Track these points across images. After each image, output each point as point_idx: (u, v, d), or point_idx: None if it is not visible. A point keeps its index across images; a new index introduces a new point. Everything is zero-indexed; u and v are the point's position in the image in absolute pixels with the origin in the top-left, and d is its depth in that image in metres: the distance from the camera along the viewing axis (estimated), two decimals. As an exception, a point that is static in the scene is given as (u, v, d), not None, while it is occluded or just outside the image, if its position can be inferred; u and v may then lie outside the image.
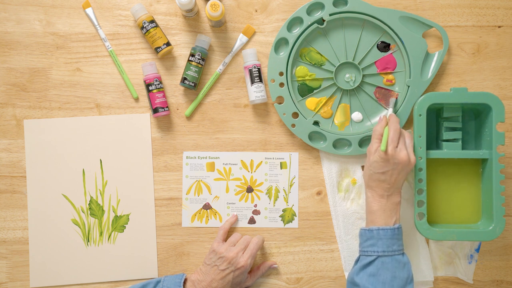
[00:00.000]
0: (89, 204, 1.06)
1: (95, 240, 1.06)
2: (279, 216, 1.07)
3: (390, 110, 1.03)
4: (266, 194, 1.07)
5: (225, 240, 1.04)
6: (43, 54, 1.07)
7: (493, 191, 0.99)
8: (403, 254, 0.95)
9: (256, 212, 1.07)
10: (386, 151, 0.94)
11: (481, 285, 1.07)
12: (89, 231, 1.06)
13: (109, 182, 1.06)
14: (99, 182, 1.06)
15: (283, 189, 1.07)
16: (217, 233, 1.05)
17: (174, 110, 1.08)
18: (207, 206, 1.07)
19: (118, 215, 1.06)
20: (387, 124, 0.98)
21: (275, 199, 1.07)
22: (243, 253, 0.99)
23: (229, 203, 1.07)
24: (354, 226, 1.07)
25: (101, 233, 1.06)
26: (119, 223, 1.06)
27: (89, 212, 1.06)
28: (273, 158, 1.07)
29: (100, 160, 1.06)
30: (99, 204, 1.06)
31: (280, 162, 1.07)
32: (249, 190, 1.07)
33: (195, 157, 1.06)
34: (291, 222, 1.07)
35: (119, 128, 1.06)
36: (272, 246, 1.07)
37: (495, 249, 1.08)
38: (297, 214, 1.07)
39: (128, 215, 1.06)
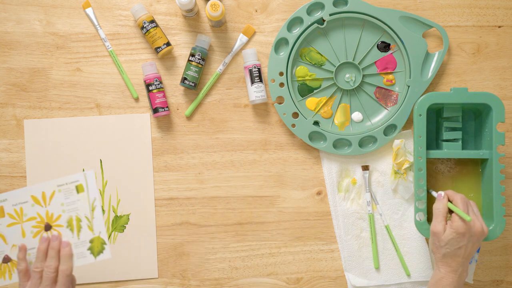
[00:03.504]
0: None
1: None
2: (88, 249, 0.94)
3: (434, 193, 1.00)
4: (68, 227, 0.94)
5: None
6: (43, 54, 1.07)
7: (493, 191, 0.99)
8: None
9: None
10: (467, 223, 0.91)
11: (481, 285, 1.07)
12: None
13: (109, 182, 1.06)
14: (99, 182, 1.06)
15: (85, 217, 0.95)
16: (18, 278, 0.91)
17: (174, 110, 1.08)
18: (6, 259, 0.93)
19: (118, 215, 1.06)
20: (448, 200, 0.95)
21: (79, 231, 0.94)
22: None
23: (30, 249, 0.93)
24: (354, 226, 1.07)
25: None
26: (119, 223, 1.06)
27: None
28: (66, 184, 0.94)
29: (100, 160, 1.06)
30: None
31: (76, 186, 0.95)
32: (47, 227, 0.94)
33: None
34: (102, 253, 0.94)
35: (119, 128, 1.06)
36: (273, 246, 1.07)
37: (495, 249, 1.08)
38: (107, 242, 0.95)
39: (128, 215, 1.06)
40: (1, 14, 1.06)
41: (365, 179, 1.06)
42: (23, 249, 0.92)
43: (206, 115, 1.08)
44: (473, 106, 1.03)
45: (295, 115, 1.06)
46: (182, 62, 1.08)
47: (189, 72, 1.04)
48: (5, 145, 1.06)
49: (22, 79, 1.06)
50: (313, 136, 1.06)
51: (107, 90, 1.07)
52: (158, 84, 1.04)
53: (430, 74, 1.05)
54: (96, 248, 0.95)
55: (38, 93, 1.07)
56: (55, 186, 0.95)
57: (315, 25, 1.05)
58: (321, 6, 1.05)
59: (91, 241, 0.95)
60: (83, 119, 1.06)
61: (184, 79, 1.04)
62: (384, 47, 1.06)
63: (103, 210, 1.05)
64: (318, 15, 1.05)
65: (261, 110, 1.08)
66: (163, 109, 1.04)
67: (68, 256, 0.90)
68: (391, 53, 1.06)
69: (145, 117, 1.07)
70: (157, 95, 1.04)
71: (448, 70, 1.08)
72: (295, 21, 1.06)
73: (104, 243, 0.95)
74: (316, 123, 1.06)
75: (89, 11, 1.06)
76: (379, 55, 1.06)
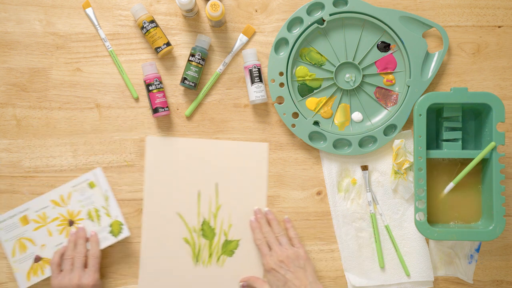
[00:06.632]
0: (201, 225, 1.06)
1: (204, 261, 1.06)
2: (109, 233, 1.03)
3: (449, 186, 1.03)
4: (88, 218, 1.04)
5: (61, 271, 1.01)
6: (43, 54, 1.07)
7: (493, 191, 0.99)
8: None
9: (87, 239, 1.03)
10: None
11: (481, 285, 1.07)
12: (199, 251, 1.06)
13: (222, 206, 1.06)
14: (213, 205, 1.06)
15: (102, 207, 1.04)
16: (51, 271, 1.01)
17: (174, 110, 1.08)
18: (37, 259, 1.03)
19: (229, 239, 1.06)
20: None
21: (98, 219, 1.04)
22: (84, 272, 0.98)
23: (57, 245, 1.03)
24: (354, 226, 1.06)
25: (210, 255, 1.06)
26: (229, 248, 1.06)
27: (201, 233, 1.06)
28: (79, 184, 1.04)
29: (216, 184, 1.06)
30: (211, 227, 1.06)
31: (88, 183, 1.04)
32: (71, 223, 1.04)
33: (5, 220, 1.03)
34: (121, 232, 1.03)
35: (237, 154, 1.06)
36: (272, 246, 1.07)
37: (495, 249, 1.08)
38: (124, 223, 1.04)
39: (238, 241, 1.06)
40: (1, 14, 1.06)
41: (365, 179, 1.06)
42: (64, 248, 1.02)
43: (206, 115, 1.08)
44: (473, 106, 1.03)
45: (295, 115, 1.06)
46: (182, 62, 1.08)
47: (189, 72, 1.04)
48: (5, 145, 1.06)
49: (22, 79, 1.06)
50: (313, 136, 1.06)
51: (107, 90, 1.07)
52: (158, 84, 1.04)
53: (430, 74, 1.05)
54: (116, 230, 1.04)
55: (38, 93, 1.07)
56: (70, 187, 1.04)
57: (315, 25, 1.05)
58: (321, 6, 1.05)
59: (110, 225, 1.04)
60: (204, 141, 1.06)
61: (184, 79, 1.04)
62: (384, 47, 1.06)
63: (214, 232, 1.06)
64: (318, 15, 1.05)
65: (261, 110, 1.08)
66: (163, 109, 1.04)
67: (95, 241, 1.02)
68: (391, 53, 1.06)
69: (264, 147, 1.07)
70: (157, 95, 1.04)
71: (448, 70, 1.08)
72: (295, 21, 1.06)
73: (121, 224, 1.04)
74: (316, 123, 1.06)
75: (89, 11, 1.06)
76: (379, 55, 1.06)
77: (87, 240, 1.02)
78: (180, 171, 1.06)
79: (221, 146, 1.07)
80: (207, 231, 1.06)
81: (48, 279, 1.03)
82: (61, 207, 1.04)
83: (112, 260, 1.06)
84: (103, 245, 1.03)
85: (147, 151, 1.06)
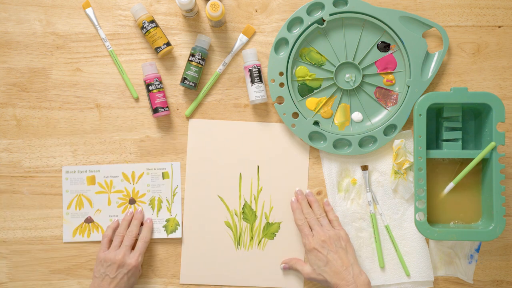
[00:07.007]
0: (242, 208, 1.06)
1: (245, 244, 1.06)
2: (163, 227, 1.05)
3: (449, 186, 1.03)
4: (149, 205, 1.05)
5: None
6: (43, 54, 1.07)
7: (493, 191, 0.99)
8: None
9: (142, 223, 1.05)
10: None
11: (481, 285, 1.07)
12: (240, 234, 1.06)
13: (264, 189, 1.06)
14: (254, 187, 1.06)
15: (166, 199, 1.05)
16: (101, 242, 1.03)
17: (174, 110, 1.08)
18: (89, 220, 1.05)
19: (270, 222, 1.06)
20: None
21: (158, 210, 1.05)
22: (130, 252, 1.00)
23: (111, 216, 1.05)
24: (354, 226, 1.06)
25: (251, 238, 1.06)
26: (270, 230, 1.06)
27: (242, 216, 1.06)
28: (154, 169, 1.05)
29: (258, 166, 1.06)
30: (252, 209, 1.06)
31: (162, 173, 1.05)
32: (132, 201, 1.06)
33: (74, 172, 1.05)
34: (174, 232, 1.05)
35: (280, 137, 1.07)
36: (272, 246, 1.07)
37: (495, 249, 1.08)
38: (180, 224, 1.05)
39: (279, 223, 1.06)
40: (1, 14, 1.06)
41: (365, 179, 1.06)
42: (117, 223, 1.04)
43: (206, 115, 1.08)
44: (473, 106, 1.03)
45: (295, 115, 1.06)
46: (182, 62, 1.08)
47: (189, 72, 1.04)
48: (5, 145, 1.06)
49: (22, 79, 1.07)
50: (313, 136, 1.06)
51: (107, 90, 1.07)
52: (158, 84, 1.04)
53: (430, 74, 1.05)
54: (170, 227, 1.05)
55: (38, 93, 1.07)
56: (144, 168, 1.06)
57: (315, 25, 1.05)
58: (321, 6, 1.05)
59: (167, 220, 1.05)
60: (246, 123, 1.06)
61: (184, 79, 1.05)
62: (384, 47, 1.06)
63: (255, 215, 1.06)
64: (318, 15, 1.05)
65: (261, 110, 1.08)
66: (163, 109, 1.04)
67: (149, 228, 1.04)
68: (391, 53, 1.06)
69: None
70: (157, 95, 1.04)
71: (448, 70, 1.08)
72: (295, 21, 1.06)
73: (178, 224, 1.05)
74: (316, 123, 1.06)
75: (89, 11, 1.06)
76: (379, 55, 1.06)
77: (141, 224, 1.04)
78: (222, 153, 1.06)
79: (264, 129, 1.07)
80: (248, 214, 1.06)
81: (88, 243, 1.06)
82: (129, 183, 1.05)
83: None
84: (153, 236, 1.05)
85: (189, 134, 1.06)
